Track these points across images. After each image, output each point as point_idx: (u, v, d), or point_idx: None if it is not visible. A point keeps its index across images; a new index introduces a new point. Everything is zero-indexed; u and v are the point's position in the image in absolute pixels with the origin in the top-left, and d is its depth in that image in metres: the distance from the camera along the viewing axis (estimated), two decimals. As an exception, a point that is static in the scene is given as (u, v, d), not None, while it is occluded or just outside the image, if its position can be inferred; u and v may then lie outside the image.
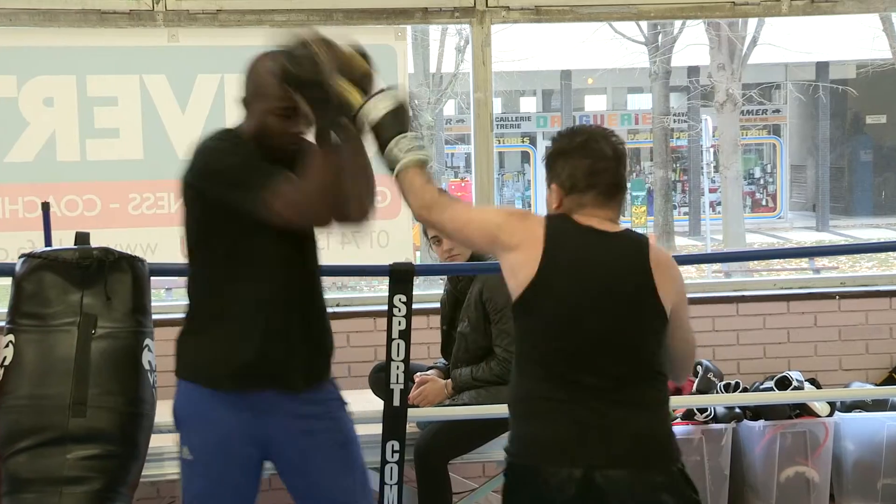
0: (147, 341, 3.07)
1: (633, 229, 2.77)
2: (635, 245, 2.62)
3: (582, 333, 2.52)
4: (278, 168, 2.64)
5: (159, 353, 3.11)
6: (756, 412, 4.84)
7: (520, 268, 2.55)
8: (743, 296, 5.34)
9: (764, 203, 25.30)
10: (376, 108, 2.61)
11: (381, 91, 2.64)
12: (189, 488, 2.78)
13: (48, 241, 3.72)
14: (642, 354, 2.57)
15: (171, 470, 3.65)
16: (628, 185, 2.73)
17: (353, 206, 2.72)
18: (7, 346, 3.00)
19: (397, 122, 2.61)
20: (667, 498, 2.50)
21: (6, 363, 2.98)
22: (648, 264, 2.58)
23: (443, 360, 4.30)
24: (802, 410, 4.88)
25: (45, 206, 3.76)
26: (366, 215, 2.77)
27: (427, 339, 4.68)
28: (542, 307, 2.53)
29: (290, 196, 2.59)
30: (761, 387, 4.95)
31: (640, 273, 2.57)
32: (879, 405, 5.01)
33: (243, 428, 2.74)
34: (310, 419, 2.81)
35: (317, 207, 2.63)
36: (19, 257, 3.11)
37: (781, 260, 13.04)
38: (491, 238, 2.60)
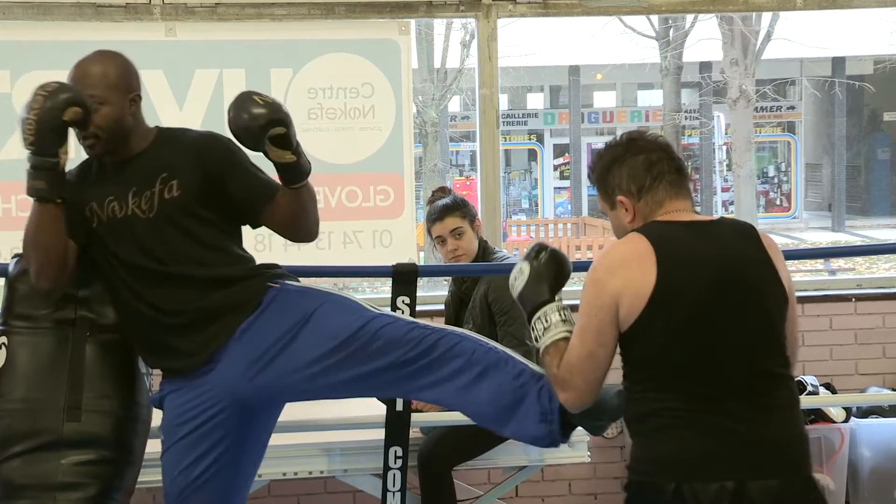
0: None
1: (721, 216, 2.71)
2: (744, 230, 2.57)
3: (715, 334, 2.44)
4: None
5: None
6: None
7: (637, 288, 2.44)
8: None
9: (778, 202, 25.30)
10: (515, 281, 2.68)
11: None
12: None
13: (42, 241, 3.71)
14: (775, 347, 2.51)
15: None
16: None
17: None
18: (0, 348, 3.00)
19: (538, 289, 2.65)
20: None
21: (-1, 366, 2.99)
22: (765, 248, 2.54)
23: (447, 364, 4.30)
24: (817, 416, 4.87)
25: (39, 205, 3.75)
26: None
27: (431, 341, 4.67)
28: (666, 318, 2.43)
29: None
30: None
31: (761, 258, 2.52)
32: (897, 410, 5.01)
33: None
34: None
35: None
36: (12, 257, 3.11)
37: (796, 261, 13.03)
38: (616, 324, 2.47)
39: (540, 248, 2.71)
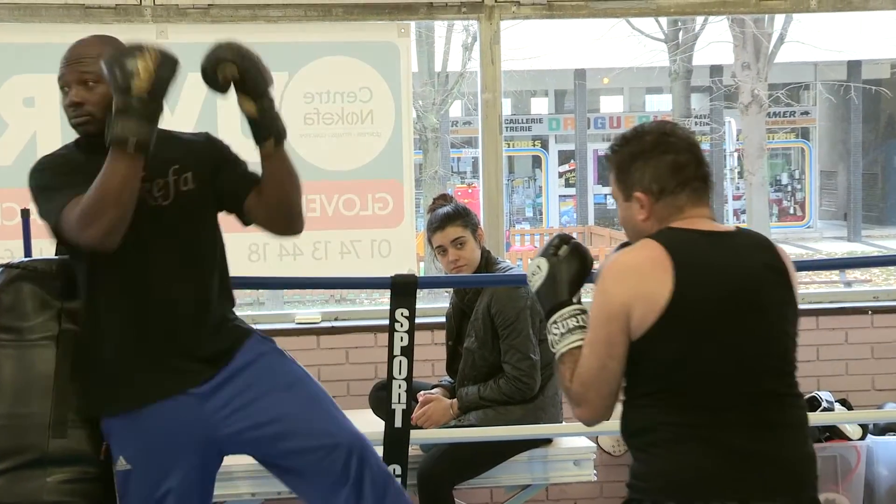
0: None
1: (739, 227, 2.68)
2: (762, 243, 2.55)
3: (728, 349, 2.41)
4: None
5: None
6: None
7: (651, 297, 2.41)
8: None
9: (791, 211, 25.29)
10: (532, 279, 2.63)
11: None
12: None
13: (28, 251, 3.73)
14: (787, 365, 2.50)
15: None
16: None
17: None
18: (-16, 362, 2.99)
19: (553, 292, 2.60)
20: None
21: (-18, 380, 2.98)
22: (782, 262, 2.52)
23: (448, 378, 4.30)
24: (832, 433, 4.87)
25: (25, 213, 3.76)
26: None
27: (431, 355, 4.68)
28: (680, 329, 2.40)
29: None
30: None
31: (778, 274, 2.50)
32: (915, 428, 5.00)
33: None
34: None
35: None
36: (-4, 267, 3.11)
37: (810, 272, 13.03)
38: (627, 334, 2.43)
39: (560, 242, 2.64)
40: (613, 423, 2.59)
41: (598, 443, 4.73)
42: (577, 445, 4.16)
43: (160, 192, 2.88)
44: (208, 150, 3.00)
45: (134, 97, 2.65)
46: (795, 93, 22.76)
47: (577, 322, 2.53)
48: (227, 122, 4.45)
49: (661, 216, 2.51)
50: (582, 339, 2.51)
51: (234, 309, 3.06)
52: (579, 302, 2.59)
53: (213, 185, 2.95)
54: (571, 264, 2.60)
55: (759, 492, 2.39)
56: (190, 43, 4.84)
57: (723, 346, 2.42)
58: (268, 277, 4.37)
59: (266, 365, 2.97)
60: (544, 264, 2.60)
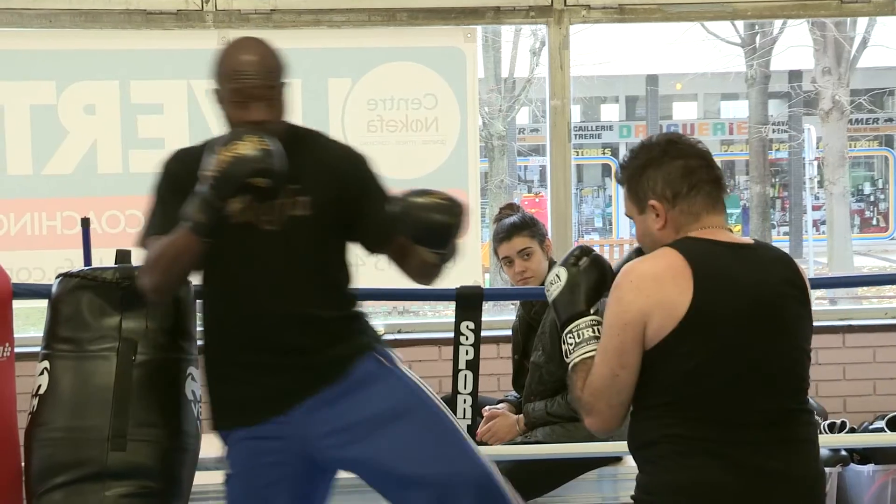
0: (191, 369, 3.11)
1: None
2: (782, 258, 2.59)
3: (745, 364, 2.44)
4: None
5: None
6: (864, 455, 4.75)
7: (670, 306, 2.43)
8: (851, 325, 5.26)
9: (875, 222, 24.96)
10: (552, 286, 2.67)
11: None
12: None
13: (87, 260, 3.78)
14: (802, 382, 2.53)
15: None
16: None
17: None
18: (42, 373, 3.04)
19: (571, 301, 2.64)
20: None
21: (41, 392, 3.03)
22: (801, 279, 2.56)
23: (514, 393, 4.29)
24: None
25: (85, 222, 3.81)
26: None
27: (497, 369, 4.67)
28: (697, 340, 2.42)
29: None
30: (870, 427, 4.87)
31: (797, 291, 2.53)
32: None
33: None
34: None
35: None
36: (56, 277, 3.16)
37: (894, 286, 12.85)
38: (640, 343, 2.46)
39: (581, 253, 2.68)
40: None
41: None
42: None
43: (269, 217, 2.81)
44: (347, 176, 2.90)
45: (205, 185, 2.66)
46: (879, 99, 22.49)
47: (593, 333, 2.57)
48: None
49: (677, 224, 2.53)
50: (596, 350, 2.54)
51: (356, 323, 2.98)
52: (597, 313, 2.62)
53: (338, 214, 2.87)
54: (591, 275, 2.64)
55: None
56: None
57: (741, 360, 2.44)
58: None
59: (376, 389, 2.89)
60: (563, 274, 2.65)
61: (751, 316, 2.45)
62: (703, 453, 2.43)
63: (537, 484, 4.01)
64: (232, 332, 2.87)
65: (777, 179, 23.83)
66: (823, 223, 18.46)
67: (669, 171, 2.54)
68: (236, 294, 2.86)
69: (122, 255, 3.18)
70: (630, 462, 4.10)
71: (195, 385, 3.11)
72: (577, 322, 2.59)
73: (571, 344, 2.58)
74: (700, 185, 2.54)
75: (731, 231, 2.58)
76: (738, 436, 2.43)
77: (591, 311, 2.61)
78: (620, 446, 4.07)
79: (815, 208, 18.81)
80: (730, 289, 2.45)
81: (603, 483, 4.10)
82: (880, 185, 25.25)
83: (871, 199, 25.15)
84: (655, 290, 2.43)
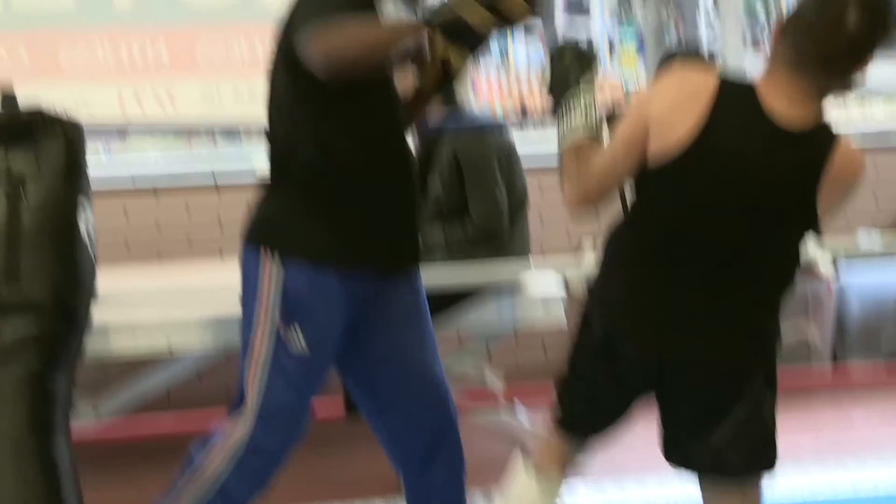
0: (84, 204, 3.08)
1: (827, 125, 2.41)
2: (815, 156, 2.37)
3: (715, 230, 2.40)
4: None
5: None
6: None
7: (668, 138, 2.38)
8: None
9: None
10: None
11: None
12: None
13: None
14: (770, 284, 2.47)
15: (120, 345, 3.79)
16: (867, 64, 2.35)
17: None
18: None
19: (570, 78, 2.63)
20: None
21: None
22: (817, 184, 2.37)
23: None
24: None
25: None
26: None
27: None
28: (671, 193, 2.41)
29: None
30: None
31: (805, 195, 2.38)
32: None
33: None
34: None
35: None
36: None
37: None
38: (642, 146, 2.43)
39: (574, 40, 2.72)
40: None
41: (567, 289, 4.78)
42: (547, 292, 4.22)
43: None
44: None
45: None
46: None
47: (584, 112, 2.58)
48: None
49: (771, 63, 2.38)
50: (587, 137, 2.55)
51: None
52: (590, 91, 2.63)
53: None
54: (585, 56, 2.66)
55: (687, 350, 2.45)
56: None
57: (711, 228, 2.41)
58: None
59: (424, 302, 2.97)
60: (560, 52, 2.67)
61: (735, 200, 2.38)
62: (640, 278, 2.47)
63: (436, 305, 4.09)
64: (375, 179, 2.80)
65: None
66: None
67: (816, 25, 2.32)
68: (385, 144, 2.82)
69: (8, 99, 3.09)
70: (529, 289, 4.19)
71: (89, 221, 3.08)
72: (568, 96, 2.60)
73: (564, 127, 2.59)
74: (807, 48, 2.33)
75: (805, 104, 2.36)
76: (681, 273, 2.43)
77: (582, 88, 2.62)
78: (517, 267, 4.16)
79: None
80: (728, 162, 2.37)
81: (503, 308, 4.18)
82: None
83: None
84: (669, 101, 2.40)
